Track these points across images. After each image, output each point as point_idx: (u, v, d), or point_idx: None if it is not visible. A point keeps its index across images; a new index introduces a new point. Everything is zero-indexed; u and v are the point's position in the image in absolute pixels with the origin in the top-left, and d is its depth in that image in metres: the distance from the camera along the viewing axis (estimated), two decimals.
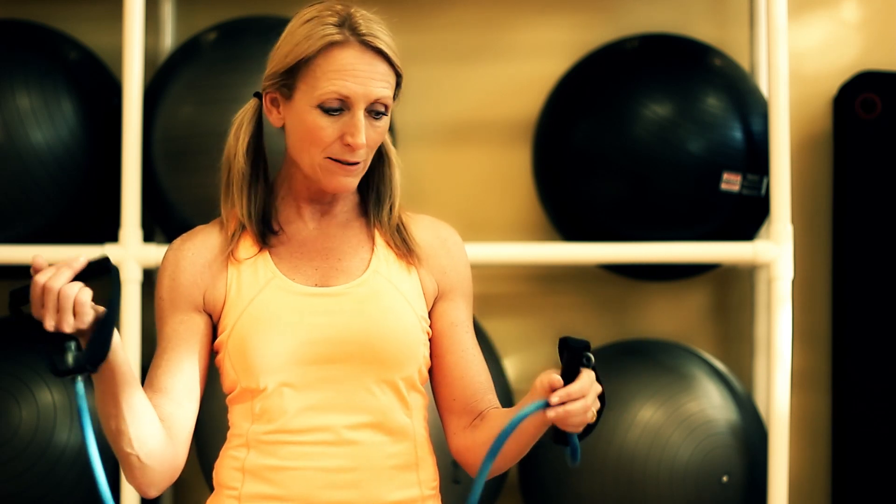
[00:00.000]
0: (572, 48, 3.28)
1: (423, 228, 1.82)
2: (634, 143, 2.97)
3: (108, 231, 3.08)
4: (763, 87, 3.15)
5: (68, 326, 1.50)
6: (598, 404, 1.64)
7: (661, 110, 2.97)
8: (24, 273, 3.60)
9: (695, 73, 3.06)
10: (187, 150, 2.94)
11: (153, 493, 1.69)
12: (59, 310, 1.50)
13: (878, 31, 3.32)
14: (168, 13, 3.34)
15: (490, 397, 1.78)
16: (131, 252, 2.92)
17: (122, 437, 1.61)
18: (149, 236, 3.10)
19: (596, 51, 3.19)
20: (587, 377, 1.59)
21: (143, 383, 1.68)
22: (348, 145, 1.68)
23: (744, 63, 3.24)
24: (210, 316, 1.74)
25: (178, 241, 1.77)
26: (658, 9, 3.32)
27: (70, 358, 1.51)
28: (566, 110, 3.12)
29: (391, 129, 3.14)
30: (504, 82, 3.35)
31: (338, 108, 1.69)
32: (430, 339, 1.78)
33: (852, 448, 3.08)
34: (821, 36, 3.33)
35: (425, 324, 1.76)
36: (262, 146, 1.79)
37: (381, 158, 1.81)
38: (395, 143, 3.28)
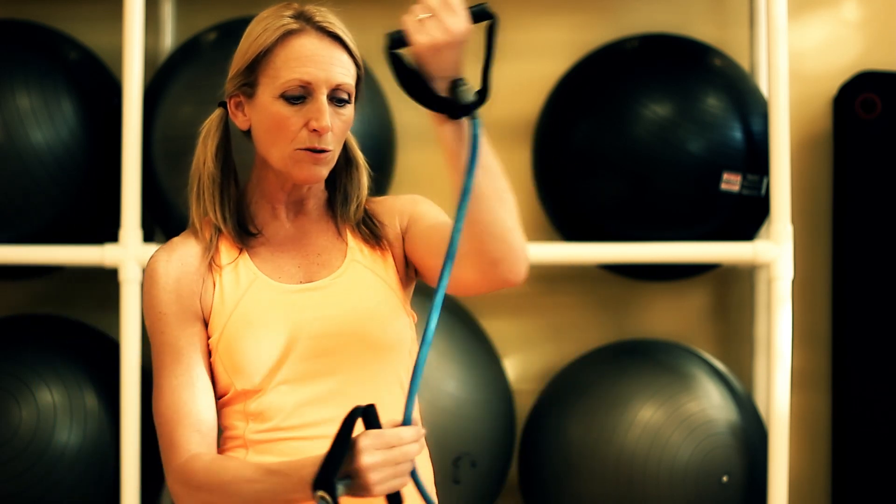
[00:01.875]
0: (572, 48, 3.28)
1: (384, 202, 1.85)
2: (634, 143, 2.97)
3: (108, 231, 3.08)
4: (763, 87, 3.15)
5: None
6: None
7: (661, 110, 2.97)
8: (23, 273, 3.61)
9: (695, 73, 3.06)
10: (187, 150, 2.90)
11: None
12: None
13: (878, 31, 3.32)
14: (168, 13, 3.34)
15: None
16: (131, 252, 2.92)
17: None
18: (149, 236, 3.10)
19: (596, 51, 3.19)
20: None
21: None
22: (315, 131, 1.70)
23: (744, 63, 3.24)
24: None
25: (162, 255, 1.76)
26: (658, 9, 3.32)
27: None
28: (566, 110, 3.12)
29: (392, 130, 3.15)
30: (504, 82, 3.34)
31: (300, 95, 1.71)
32: (409, 252, 1.80)
33: (852, 448, 3.08)
34: (821, 36, 3.33)
35: (408, 306, 1.78)
36: (231, 153, 1.81)
37: (348, 161, 1.84)
38: (395, 143, 3.29)
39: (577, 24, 3.34)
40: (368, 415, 1.51)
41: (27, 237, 3.04)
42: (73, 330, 3.15)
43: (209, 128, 1.82)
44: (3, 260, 3.02)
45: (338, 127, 1.72)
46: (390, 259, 1.79)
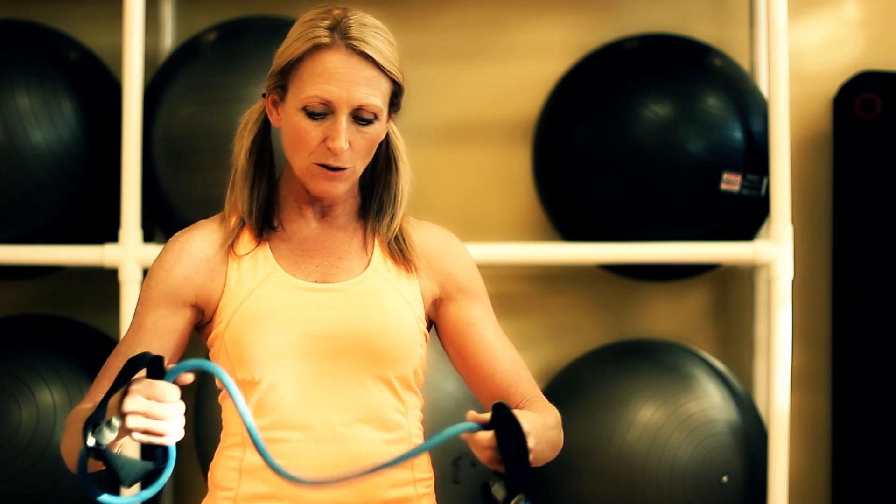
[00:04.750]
0: (572, 48, 3.28)
1: (424, 232, 1.83)
2: (634, 143, 2.97)
3: (108, 231, 3.09)
4: (763, 87, 3.15)
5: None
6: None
7: (661, 110, 2.97)
8: (23, 273, 3.62)
9: (695, 73, 3.06)
10: (187, 150, 2.94)
11: None
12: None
13: (879, 31, 3.32)
14: (168, 13, 3.34)
15: (521, 388, 1.80)
16: (131, 252, 2.92)
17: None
18: (149, 236, 3.10)
19: (596, 51, 3.19)
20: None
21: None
22: (330, 149, 1.69)
23: (744, 63, 3.24)
24: (203, 312, 1.74)
25: (178, 234, 1.79)
26: (658, 9, 3.32)
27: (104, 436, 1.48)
28: (566, 110, 3.12)
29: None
30: (504, 82, 3.35)
31: (321, 112, 1.69)
32: (445, 340, 1.80)
33: (852, 448, 3.08)
34: (821, 36, 3.33)
35: (423, 325, 1.77)
36: (268, 146, 1.80)
37: (388, 166, 1.82)
38: None
39: (577, 24, 3.34)
40: (153, 365, 1.51)
41: (27, 237, 3.04)
42: (73, 330, 3.15)
43: (247, 120, 1.81)
44: (3, 260, 3.02)
45: (359, 145, 1.70)
46: (415, 279, 1.79)
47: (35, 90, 2.99)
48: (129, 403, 1.46)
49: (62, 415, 2.89)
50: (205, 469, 2.98)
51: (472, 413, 1.56)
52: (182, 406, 1.49)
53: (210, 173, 2.90)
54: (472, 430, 1.56)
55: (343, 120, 1.68)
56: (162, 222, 3.12)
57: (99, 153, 3.05)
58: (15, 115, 2.96)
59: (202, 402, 2.98)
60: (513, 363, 1.81)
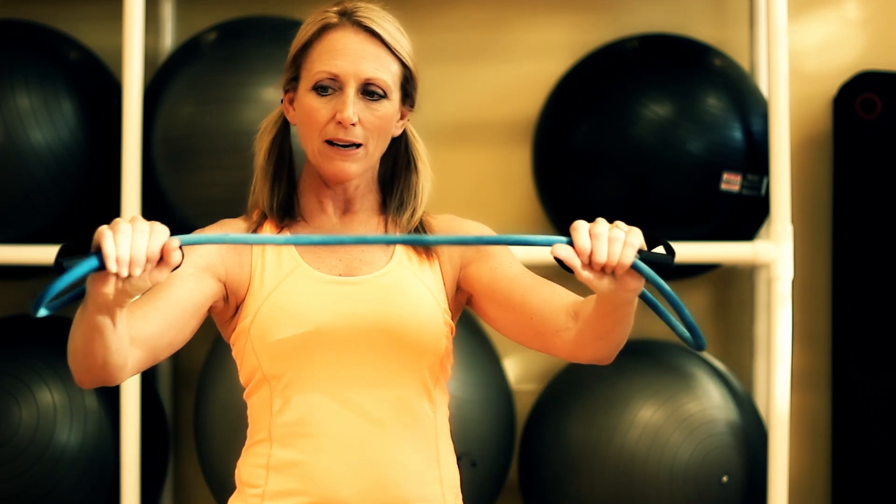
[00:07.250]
0: (572, 48, 3.28)
1: (440, 218, 1.85)
2: (634, 143, 2.97)
3: None
4: (763, 87, 3.15)
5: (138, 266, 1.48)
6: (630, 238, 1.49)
7: (661, 110, 2.97)
8: (23, 273, 3.62)
9: (695, 73, 3.06)
10: (187, 150, 2.94)
11: (85, 386, 1.72)
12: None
13: (879, 30, 3.32)
14: (168, 13, 3.34)
15: (568, 299, 1.72)
16: None
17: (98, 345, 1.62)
18: None
19: (596, 51, 3.19)
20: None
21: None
22: (340, 123, 1.70)
23: (744, 63, 3.24)
24: (227, 299, 1.74)
25: (209, 227, 1.79)
26: (658, 9, 3.32)
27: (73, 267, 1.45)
28: (566, 110, 3.12)
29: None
30: (504, 82, 3.35)
31: (329, 87, 1.72)
32: (482, 300, 1.80)
33: (852, 448, 3.08)
34: (821, 36, 3.34)
35: (447, 316, 1.77)
36: (287, 146, 1.83)
37: (408, 166, 1.84)
38: None
39: (577, 24, 3.34)
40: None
41: (27, 237, 3.04)
42: None
43: (266, 123, 1.84)
44: (3, 260, 3.02)
45: (369, 122, 1.73)
46: (437, 268, 1.79)
47: (35, 90, 2.99)
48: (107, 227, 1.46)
49: (62, 415, 2.89)
50: (205, 469, 2.97)
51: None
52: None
53: (210, 173, 2.90)
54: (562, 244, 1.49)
55: (350, 92, 1.71)
56: (162, 222, 3.11)
57: (99, 153, 3.05)
58: (15, 115, 2.96)
59: (202, 402, 2.98)
60: (546, 284, 1.76)
